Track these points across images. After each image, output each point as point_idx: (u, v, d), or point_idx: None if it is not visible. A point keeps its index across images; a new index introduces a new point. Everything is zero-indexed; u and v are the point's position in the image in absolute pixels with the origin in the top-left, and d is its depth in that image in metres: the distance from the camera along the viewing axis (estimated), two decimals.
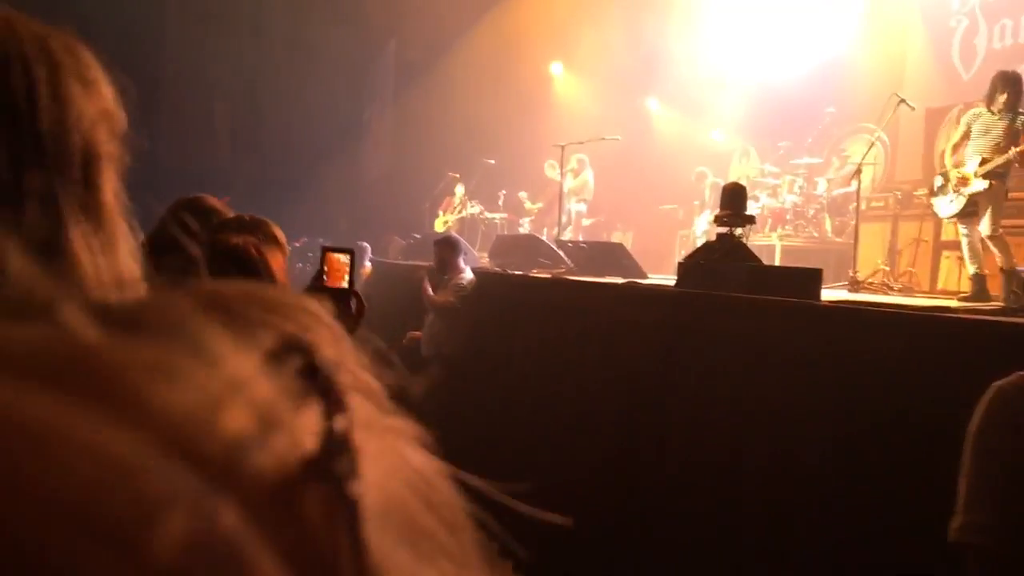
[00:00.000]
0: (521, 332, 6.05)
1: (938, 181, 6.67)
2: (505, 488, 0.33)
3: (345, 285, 1.88)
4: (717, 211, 5.54)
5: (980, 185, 6.22)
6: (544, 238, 8.92)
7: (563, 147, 9.25)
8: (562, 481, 5.06)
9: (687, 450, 3.90)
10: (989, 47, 9.30)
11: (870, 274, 7.36)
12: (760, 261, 5.11)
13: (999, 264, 6.23)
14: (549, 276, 6.50)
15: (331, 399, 0.21)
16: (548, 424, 5.41)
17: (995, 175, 6.20)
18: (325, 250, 1.90)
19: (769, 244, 9.25)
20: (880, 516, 2.77)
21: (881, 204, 9.21)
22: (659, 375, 4.21)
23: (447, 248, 6.87)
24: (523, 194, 12.29)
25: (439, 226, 12.34)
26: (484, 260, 8.95)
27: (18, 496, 0.15)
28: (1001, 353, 2.53)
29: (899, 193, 8.88)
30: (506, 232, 11.45)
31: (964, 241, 6.56)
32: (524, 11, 13.43)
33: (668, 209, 12.40)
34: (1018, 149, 6.05)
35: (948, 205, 6.53)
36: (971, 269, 6.41)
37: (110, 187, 0.64)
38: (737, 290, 3.96)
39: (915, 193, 8.76)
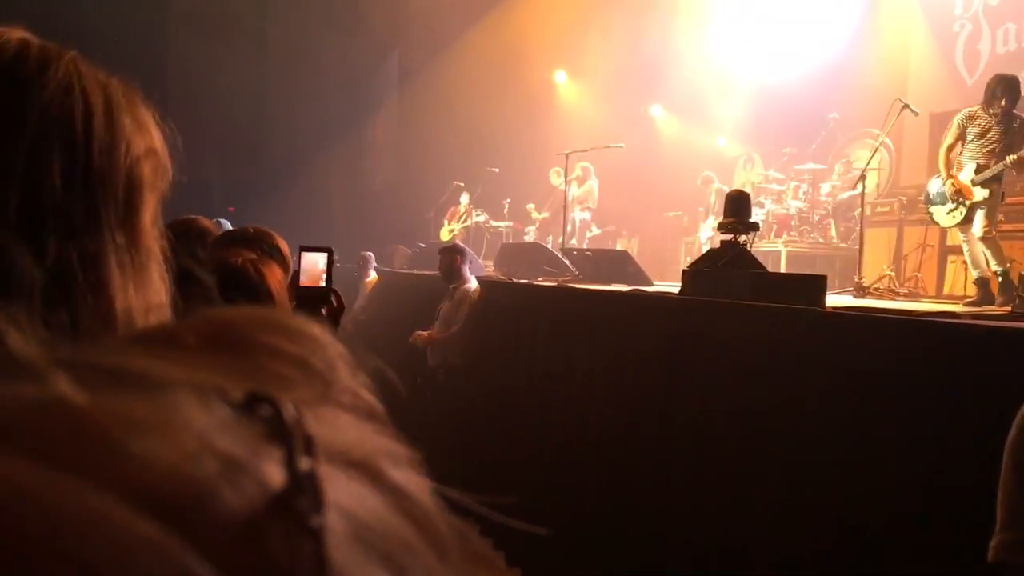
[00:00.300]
0: (526, 340, 6.05)
1: (933, 187, 6.62)
2: (492, 501, 0.34)
3: (323, 284, 1.88)
4: (721, 218, 5.54)
5: (981, 194, 6.19)
6: (549, 246, 8.93)
7: (567, 155, 9.26)
8: (567, 487, 5.06)
9: (692, 455, 3.90)
10: (993, 52, 9.30)
11: (876, 279, 7.35)
12: (764, 268, 5.10)
13: (992, 267, 6.21)
14: (554, 284, 6.50)
15: (295, 443, 0.22)
16: (553, 431, 5.40)
17: (992, 180, 6.16)
18: (302, 250, 1.90)
19: (775, 250, 9.25)
20: (889, 522, 2.76)
21: (886, 209, 9.21)
22: (664, 382, 4.20)
23: (452, 257, 6.88)
24: (531, 206, 12.31)
25: (445, 235, 12.35)
26: (489, 268, 8.96)
27: (5, 549, 0.18)
28: (1009, 358, 2.52)
29: (904, 198, 8.87)
30: (511, 240, 11.46)
31: (965, 248, 6.53)
32: (527, 19, 13.47)
33: (673, 216, 12.41)
34: (1014, 157, 6.01)
35: (948, 216, 6.49)
36: (975, 274, 6.38)
37: (149, 215, 0.70)
38: (741, 297, 3.96)
39: (920, 198, 8.75)
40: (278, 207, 12.38)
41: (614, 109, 13.02)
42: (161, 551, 0.19)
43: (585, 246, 10.33)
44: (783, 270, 8.44)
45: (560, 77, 14.52)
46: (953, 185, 6.33)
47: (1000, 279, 6.15)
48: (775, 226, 9.67)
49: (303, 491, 0.22)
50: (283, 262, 1.75)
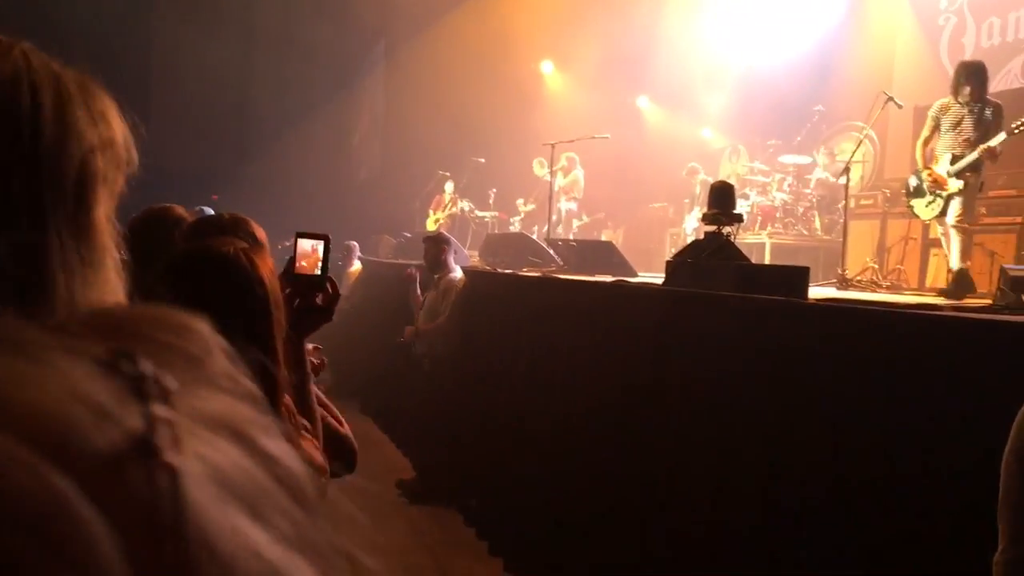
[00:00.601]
0: (511, 330, 6.06)
1: (913, 181, 6.62)
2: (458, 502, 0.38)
3: (318, 272, 1.86)
4: (706, 209, 5.55)
5: (956, 184, 6.18)
6: (535, 237, 8.93)
7: (553, 145, 9.26)
8: (551, 476, 5.07)
9: (677, 447, 3.91)
10: (977, 45, 9.35)
11: (859, 272, 7.39)
12: (748, 259, 5.12)
13: (954, 261, 6.18)
14: (539, 274, 6.51)
15: (151, 392, 0.27)
16: (538, 421, 5.42)
17: (968, 170, 6.14)
18: (299, 236, 1.88)
19: (759, 242, 9.28)
20: (872, 517, 2.78)
21: (870, 202, 9.25)
22: (649, 372, 4.22)
23: (436, 246, 6.88)
24: (520, 201, 12.31)
25: (431, 225, 12.34)
26: (475, 259, 8.96)
27: None
28: (990, 351, 2.55)
29: (888, 191, 8.91)
30: (496, 231, 11.45)
31: (944, 241, 6.53)
32: (514, 9, 13.43)
33: (658, 207, 12.43)
34: (985, 147, 6.00)
35: (927, 208, 6.50)
36: (955, 266, 6.38)
37: (103, 209, 0.68)
38: (725, 288, 3.97)
39: (902, 191, 8.80)
40: (262, 196, 12.32)
41: (600, 100, 13.02)
42: (32, 469, 0.23)
43: (571, 236, 10.34)
44: (767, 262, 8.47)
45: (547, 67, 14.50)
46: (930, 176, 6.34)
47: (957, 274, 6.14)
48: (760, 218, 9.70)
49: (158, 433, 0.25)
50: (263, 248, 1.75)
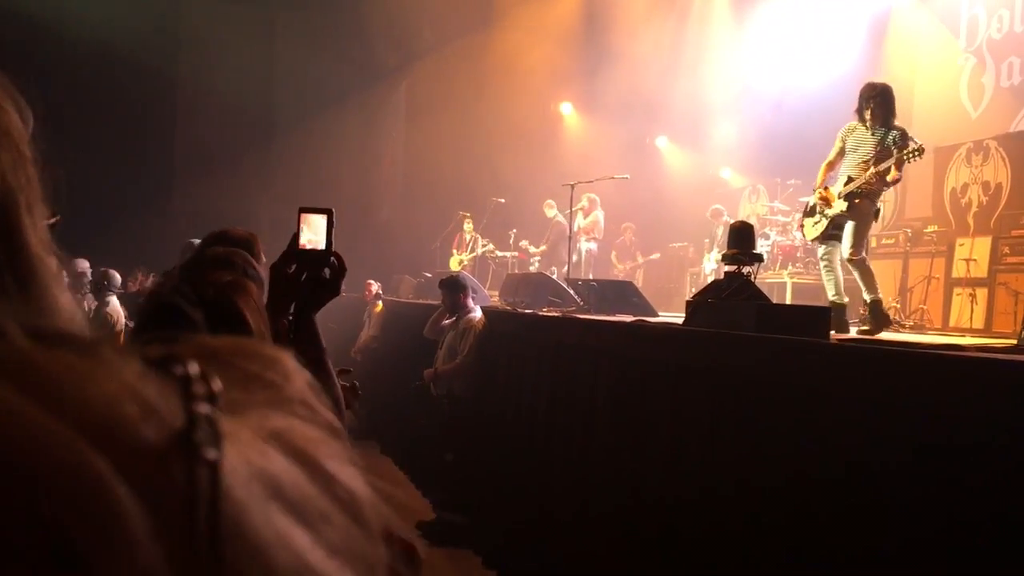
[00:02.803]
0: (531, 370, 6.04)
1: (810, 200, 6.45)
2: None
3: (322, 247, 1.85)
4: (726, 250, 5.54)
5: (840, 206, 6.00)
6: (555, 277, 8.94)
7: (572, 186, 9.30)
8: (572, 519, 5.03)
9: (696, 485, 3.88)
10: (997, 85, 9.34)
11: None
12: (768, 299, 5.10)
13: (863, 295, 5.94)
14: (559, 314, 6.50)
15: (197, 392, 0.28)
16: (557, 460, 5.38)
17: (860, 195, 5.96)
18: (302, 211, 1.87)
19: (780, 282, 9.24)
20: (898, 550, 2.74)
21: (892, 241, 9.21)
22: (669, 412, 4.19)
23: (453, 290, 6.90)
24: (524, 243, 12.35)
25: (454, 265, 12.38)
26: (494, 298, 8.97)
27: None
28: (1015, 392, 2.51)
29: (909, 231, 8.88)
30: (517, 270, 11.48)
31: (821, 264, 6.31)
32: (533, 52, 13.57)
33: (678, 247, 12.43)
34: (875, 170, 5.85)
35: (812, 228, 6.30)
36: (830, 295, 6.17)
37: (28, 221, 0.59)
38: (746, 328, 3.95)
39: (926, 231, 8.76)
40: (285, 234, 12.39)
41: (620, 140, 13.09)
42: (75, 450, 0.25)
43: (591, 276, 10.35)
44: (788, 302, 8.42)
45: (566, 108, 14.62)
46: (821, 195, 6.18)
47: (870, 308, 5.92)
48: (780, 258, 9.67)
49: (200, 430, 0.27)
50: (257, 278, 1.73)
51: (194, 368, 0.29)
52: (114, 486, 0.25)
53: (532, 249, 12.26)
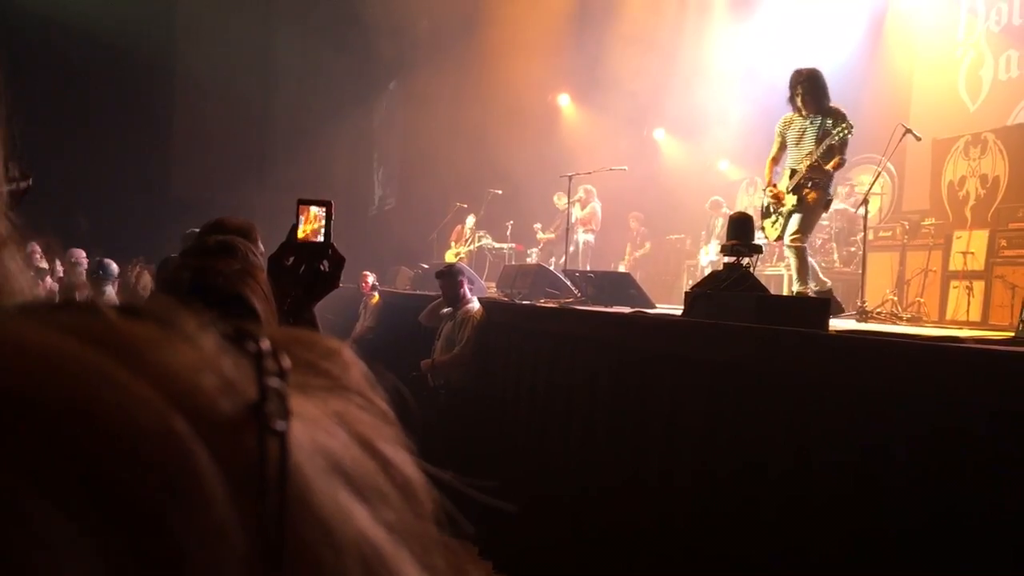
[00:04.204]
0: (529, 362, 6.05)
1: (765, 201, 6.42)
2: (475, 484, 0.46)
3: (321, 239, 1.84)
4: (724, 241, 5.54)
5: (792, 200, 5.97)
6: (552, 268, 8.94)
7: (570, 177, 9.30)
8: (570, 509, 5.04)
9: (695, 477, 3.89)
10: (995, 78, 9.34)
11: (878, 304, 7.34)
12: (767, 290, 5.10)
13: (794, 283, 5.90)
14: (557, 306, 6.51)
15: (268, 366, 0.30)
16: (555, 451, 5.39)
17: (808, 186, 5.92)
18: (300, 203, 1.86)
19: (778, 274, 9.25)
20: (893, 538, 2.75)
21: (889, 234, 9.22)
22: (668, 404, 4.20)
23: (452, 280, 6.89)
24: (537, 225, 12.37)
25: (450, 257, 12.38)
26: (492, 290, 8.97)
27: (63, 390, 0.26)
28: (1012, 383, 2.52)
29: (906, 223, 8.89)
30: (514, 262, 11.48)
31: (792, 262, 6.25)
32: (530, 43, 13.55)
33: (675, 239, 12.44)
34: (812, 161, 5.80)
35: (772, 228, 6.27)
36: (812, 287, 6.11)
37: None
38: (745, 319, 3.96)
39: (923, 223, 8.77)
40: (282, 225, 12.38)
41: (617, 132, 13.08)
42: (159, 412, 0.26)
43: (588, 268, 10.35)
44: (785, 293, 8.43)
45: (563, 100, 14.60)
46: (771, 193, 6.14)
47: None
48: (778, 250, 9.67)
49: (270, 402, 0.29)
50: (257, 263, 1.72)
51: (267, 344, 0.31)
52: (196, 449, 0.27)
53: (541, 235, 12.27)
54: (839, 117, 5.93)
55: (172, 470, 0.26)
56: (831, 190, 6.15)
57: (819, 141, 5.92)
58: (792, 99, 6.08)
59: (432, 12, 14.72)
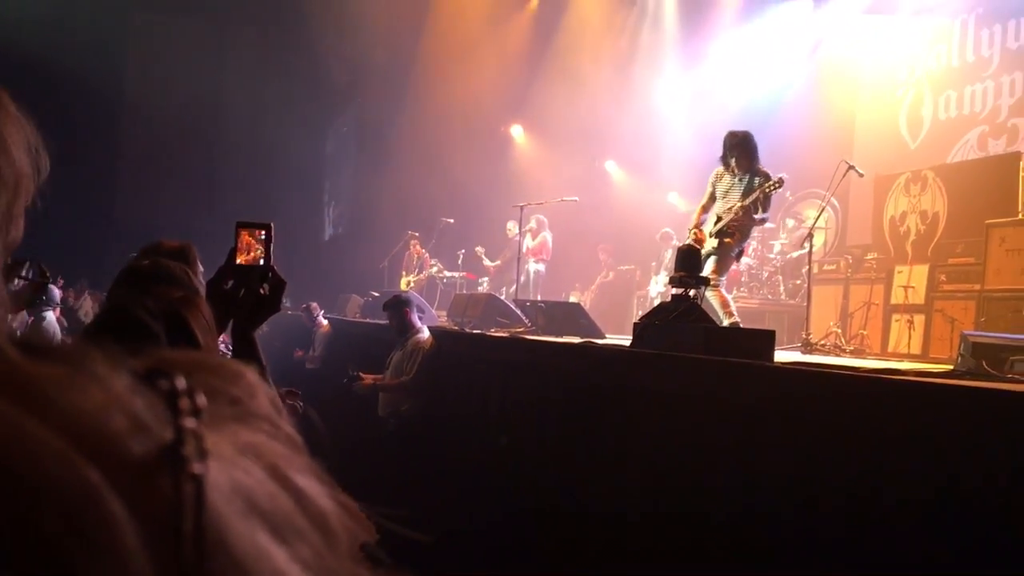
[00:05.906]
0: (479, 391, 6.04)
1: (688, 240, 6.66)
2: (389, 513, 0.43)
3: (261, 262, 1.81)
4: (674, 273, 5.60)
5: (711, 244, 6.37)
6: (503, 297, 8.95)
7: (522, 208, 9.35)
8: (518, 536, 5.02)
9: (645, 507, 3.90)
10: (935, 117, 9.62)
11: (823, 336, 7.47)
12: (714, 322, 5.16)
13: (722, 319, 6.17)
14: (507, 335, 6.51)
15: (183, 406, 0.29)
16: (505, 481, 5.37)
17: (728, 233, 6.32)
18: (239, 226, 1.83)
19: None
20: (833, 560, 2.78)
21: (833, 267, 9.38)
22: (616, 433, 4.22)
23: (397, 308, 6.86)
24: (480, 249, 12.33)
25: (404, 286, 12.33)
26: (442, 318, 8.95)
27: None
28: (950, 415, 2.58)
29: (850, 257, 9.06)
30: (465, 291, 11.47)
31: (711, 299, 6.45)
32: (484, 74, 13.64)
33: (626, 269, 12.52)
34: (740, 205, 6.20)
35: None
36: (726, 322, 6.34)
37: None
38: (692, 351, 4.00)
39: (866, 258, 8.95)
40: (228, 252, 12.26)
41: (569, 164, 13.18)
42: (68, 461, 0.26)
43: (539, 298, 10.38)
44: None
45: (516, 131, 14.69)
46: (694, 235, 6.50)
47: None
48: (724, 282, 9.79)
49: (186, 444, 0.28)
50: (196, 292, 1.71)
51: (181, 382, 0.30)
52: (106, 497, 0.26)
53: (487, 261, 12.26)
54: (767, 177, 6.31)
55: (83, 522, 0.25)
56: (748, 241, 6.48)
57: (744, 196, 6.29)
58: (724, 158, 6.45)
59: (386, 42, 14.76)
